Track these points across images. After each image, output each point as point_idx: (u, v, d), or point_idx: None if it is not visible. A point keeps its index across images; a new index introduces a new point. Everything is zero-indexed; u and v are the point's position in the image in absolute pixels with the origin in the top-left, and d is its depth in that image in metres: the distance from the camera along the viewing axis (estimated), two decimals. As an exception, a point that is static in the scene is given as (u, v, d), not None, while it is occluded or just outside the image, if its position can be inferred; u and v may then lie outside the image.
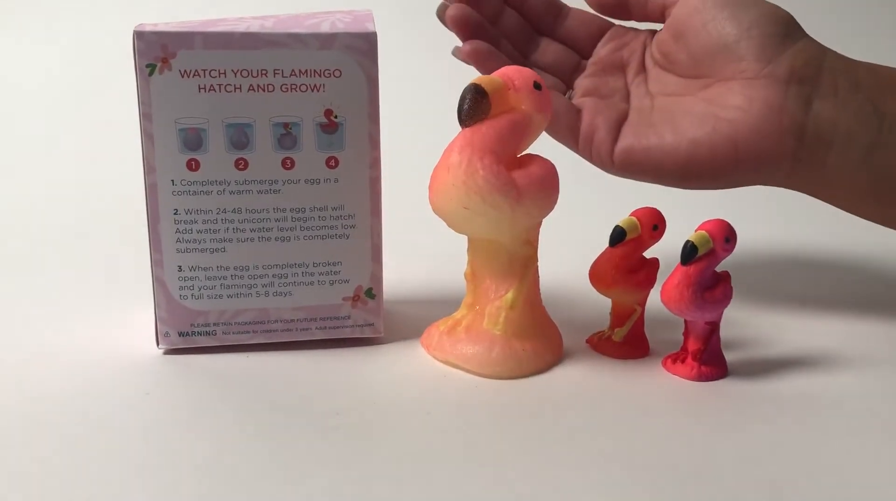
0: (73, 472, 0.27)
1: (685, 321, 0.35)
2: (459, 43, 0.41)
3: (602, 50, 0.43)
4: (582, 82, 0.42)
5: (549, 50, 0.43)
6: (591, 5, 0.43)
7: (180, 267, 0.35)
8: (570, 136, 0.40)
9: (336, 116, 0.35)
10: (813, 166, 0.38)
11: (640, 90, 0.42)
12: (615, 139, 0.39)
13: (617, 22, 0.44)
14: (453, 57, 0.41)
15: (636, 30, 0.44)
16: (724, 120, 0.37)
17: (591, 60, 0.43)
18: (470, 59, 0.40)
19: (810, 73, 0.37)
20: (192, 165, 0.34)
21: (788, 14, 0.39)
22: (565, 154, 0.41)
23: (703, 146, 0.38)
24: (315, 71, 0.34)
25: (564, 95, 0.42)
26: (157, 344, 0.36)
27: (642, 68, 0.42)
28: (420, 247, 0.52)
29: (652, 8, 0.41)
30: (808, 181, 0.39)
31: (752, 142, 0.37)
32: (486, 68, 0.40)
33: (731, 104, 0.38)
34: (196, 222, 0.35)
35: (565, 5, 0.44)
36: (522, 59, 0.43)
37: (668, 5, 0.40)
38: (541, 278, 0.37)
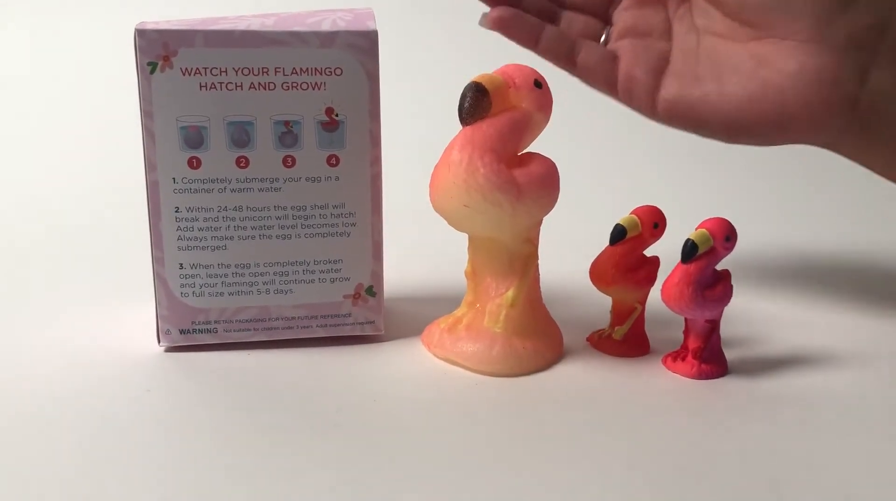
0: (74, 469, 0.27)
1: (685, 320, 0.35)
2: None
3: None
4: (620, 16, 0.40)
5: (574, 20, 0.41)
6: None
7: (181, 265, 0.35)
8: (608, 86, 0.39)
9: (337, 115, 0.35)
10: (861, 138, 0.37)
11: (683, 25, 0.39)
12: (657, 88, 0.38)
13: None
14: (480, 26, 0.39)
15: None
16: (773, 86, 0.36)
17: None
18: (497, 26, 0.39)
19: (871, 38, 0.35)
20: (194, 163, 0.34)
21: None
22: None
23: (750, 110, 0.36)
24: (316, 69, 0.34)
25: (600, 37, 0.40)
26: (158, 342, 0.36)
27: None
28: (421, 245, 0.52)
29: None
30: (855, 149, 0.38)
31: (800, 112, 0.36)
32: (514, 35, 0.38)
33: (783, 69, 0.36)
34: (197, 219, 0.35)
35: None
36: (553, 5, 0.41)
37: None
38: (541, 277, 0.37)
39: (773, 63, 0.36)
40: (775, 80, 0.36)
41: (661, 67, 0.38)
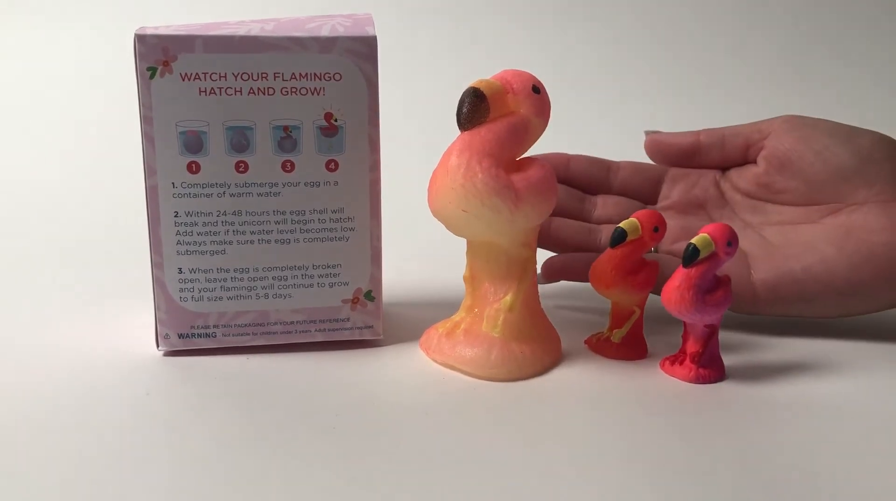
0: (73, 473, 0.27)
1: (684, 323, 0.35)
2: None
3: (673, 193, 0.43)
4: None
5: (608, 203, 0.43)
6: (655, 160, 0.43)
7: (180, 269, 0.35)
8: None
9: (336, 120, 0.35)
10: None
11: (735, 224, 0.41)
12: (748, 275, 0.39)
13: None
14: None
15: (697, 170, 0.43)
16: (878, 243, 0.37)
17: (663, 204, 0.43)
18: (551, 278, 0.41)
19: None
20: (193, 168, 0.34)
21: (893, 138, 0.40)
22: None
23: (863, 270, 0.37)
24: (315, 74, 0.34)
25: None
26: (157, 346, 0.36)
27: (724, 202, 0.42)
28: (419, 250, 0.52)
29: (731, 150, 0.41)
30: None
31: None
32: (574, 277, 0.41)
33: (878, 227, 0.38)
34: (196, 224, 0.35)
35: (612, 161, 0.44)
36: (587, 232, 0.42)
37: (751, 144, 0.40)
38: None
39: (866, 225, 0.38)
40: (878, 238, 0.37)
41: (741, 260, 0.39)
